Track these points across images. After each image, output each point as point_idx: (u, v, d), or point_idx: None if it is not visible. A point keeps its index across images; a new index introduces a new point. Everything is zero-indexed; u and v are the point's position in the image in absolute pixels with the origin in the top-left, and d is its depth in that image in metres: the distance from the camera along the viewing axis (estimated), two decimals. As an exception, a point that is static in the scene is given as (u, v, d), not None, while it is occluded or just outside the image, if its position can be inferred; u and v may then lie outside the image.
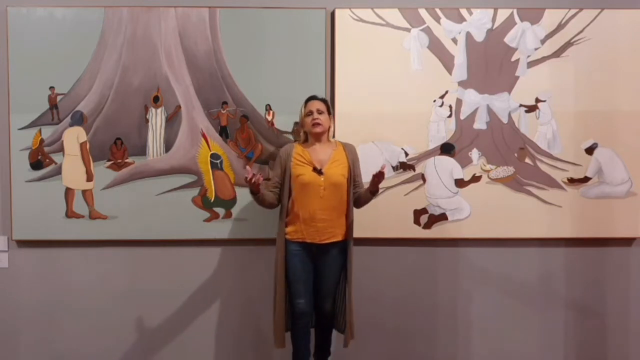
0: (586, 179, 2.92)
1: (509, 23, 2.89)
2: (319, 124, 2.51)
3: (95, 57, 2.83)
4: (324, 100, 2.60)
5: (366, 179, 2.64)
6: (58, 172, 2.84)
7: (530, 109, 2.91)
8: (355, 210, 2.62)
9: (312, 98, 2.60)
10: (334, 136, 2.69)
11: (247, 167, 2.51)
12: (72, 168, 2.85)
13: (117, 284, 2.92)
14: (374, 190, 2.49)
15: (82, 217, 2.85)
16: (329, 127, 2.59)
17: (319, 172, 2.48)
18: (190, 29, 2.85)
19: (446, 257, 2.97)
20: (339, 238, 2.53)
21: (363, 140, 2.84)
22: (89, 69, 2.83)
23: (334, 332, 2.71)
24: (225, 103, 2.87)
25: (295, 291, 2.50)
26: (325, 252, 2.52)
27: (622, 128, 2.92)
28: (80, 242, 2.87)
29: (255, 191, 2.45)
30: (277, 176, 2.58)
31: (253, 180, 2.37)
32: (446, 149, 2.91)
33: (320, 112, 2.52)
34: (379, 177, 2.40)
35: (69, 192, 2.85)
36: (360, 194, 2.57)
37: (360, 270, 2.76)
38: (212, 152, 2.88)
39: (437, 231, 2.91)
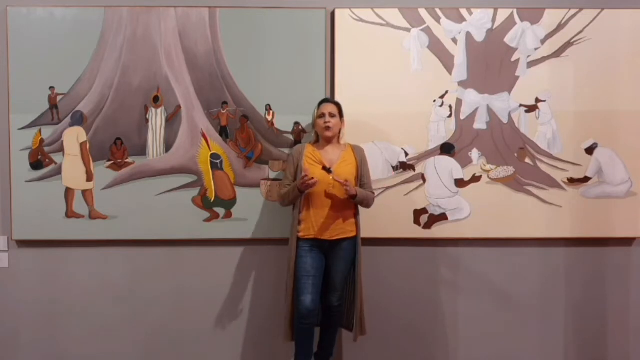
0: (586, 179, 2.92)
1: (509, 23, 2.89)
2: (329, 127, 2.56)
3: (95, 57, 2.83)
4: (336, 104, 2.65)
5: (372, 177, 2.75)
6: (58, 172, 2.84)
7: (530, 109, 2.91)
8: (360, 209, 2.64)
9: (326, 101, 2.65)
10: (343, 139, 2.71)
11: (305, 167, 2.51)
12: (72, 168, 2.85)
13: (117, 283, 2.92)
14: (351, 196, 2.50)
15: (82, 217, 2.85)
16: (340, 130, 2.64)
17: (328, 170, 2.51)
18: (190, 29, 2.85)
19: (446, 257, 2.97)
20: (349, 234, 2.57)
21: (363, 140, 2.83)
22: (89, 69, 2.83)
23: (337, 334, 2.71)
24: (225, 103, 2.87)
25: (303, 287, 2.50)
26: (337, 246, 2.57)
27: (622, 128, 2.92)
28: (80, 242, 2.87)
29: (304, 190, 2.48)
30: (291, 174, 2.62)
31: (311, 182, 2.41)
32: (446, 149, 2.91)
33: (332, 116, 2.58)
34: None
35: (69, 192, 2.85)
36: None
37: (360, 270, 2.76)
38: (212, 152, 2.88)
39: (437, 231, 2.91)
